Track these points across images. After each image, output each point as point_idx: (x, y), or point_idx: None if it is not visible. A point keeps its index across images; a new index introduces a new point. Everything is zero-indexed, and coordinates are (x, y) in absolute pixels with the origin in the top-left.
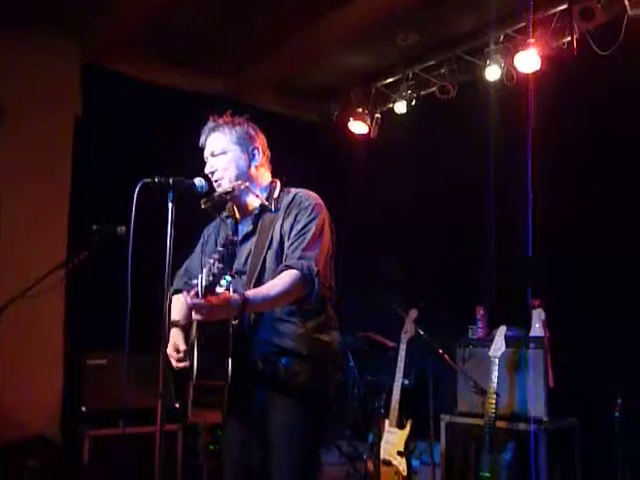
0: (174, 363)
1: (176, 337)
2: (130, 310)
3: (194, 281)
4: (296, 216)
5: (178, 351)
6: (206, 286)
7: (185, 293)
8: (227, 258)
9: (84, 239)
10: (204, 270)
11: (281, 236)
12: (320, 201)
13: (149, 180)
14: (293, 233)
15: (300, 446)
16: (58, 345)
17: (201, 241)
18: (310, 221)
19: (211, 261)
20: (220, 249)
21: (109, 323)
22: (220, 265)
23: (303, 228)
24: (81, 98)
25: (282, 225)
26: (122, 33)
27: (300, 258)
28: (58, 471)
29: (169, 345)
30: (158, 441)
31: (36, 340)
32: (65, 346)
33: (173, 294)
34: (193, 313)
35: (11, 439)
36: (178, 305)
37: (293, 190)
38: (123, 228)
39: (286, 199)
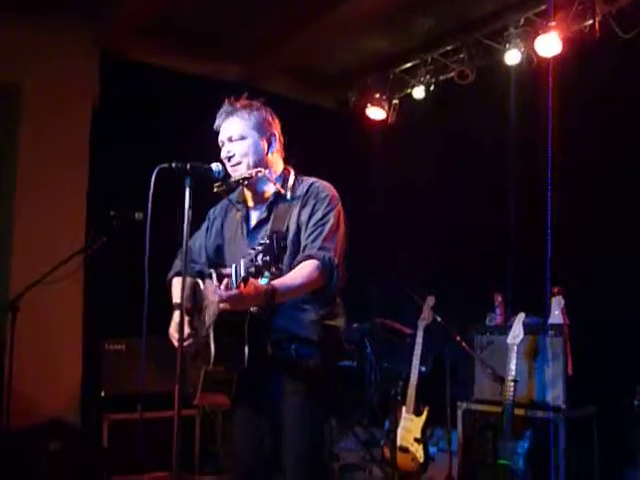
0: (175, 343)
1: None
2: (148, 295)
3: (226, 270)
4: (314, 206)
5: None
6: (244, 277)
7: (216, 283)
8: (275, 251)
9: (102, 225)
10: (242, 260)
11: (298, 226)
12: (335, 192)
13: (166, 165)
14: (312, 223)
15: (310, 425)
16: (77, 330)
17: (206, 223)
18: (328, 212)
19: (253, 252)
20: (265, 241)
21: (127, 308)
22: (266, 258)
23: (322, 218)
24: (99, 86)
25: (299, 214)
26: (137, 21)
27: (320, 249)
28: (79, 455)
29: (171, 326)
30: (176, 425)
31: (55, 325)
32: (84, 331)
33: (174, 276)
34: (222, 303)
35: (31, 423)
36: (180, 287)
37: (307, 179)
38: (141, 214)
39: (301, 188)
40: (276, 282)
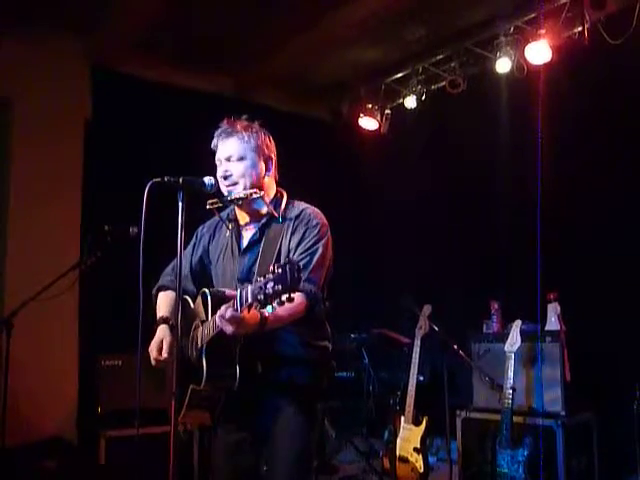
0: (153, 360)
1: (163, 336)
2: (143, 310)
3: (228, 291)
4: (304, 233)
5: (160, 351)
6: (250, 303)
7: (226, 306)
8: (288, 281)
9: (97, 240)
10: (250, 287)
11: (289, 251)
12: (325, 221)
13: (159, 180)
14: (299, 251)
15: (299, 437)
16: (73, 346)
17: (193, 240)
18: (317, 241)
19: (262, 280)
20: (278, 271)
21: (123, 324)
22: (278, 287)
23: (310, 247)
24: (91, 100)
25: (290, 240)
26: (128, 35)
27: (307, 280)
28: (75, 472)
29: (153, 341)
30: (172, 440)
31: (51, 342)
32: (80, 347)
33: (159, 290)
34: (223, 324)
35: (28, 440)
36: (167, 301)
37: (298, 204)
38: (135, 228)
39: (293, 211)
40: (269, 314)
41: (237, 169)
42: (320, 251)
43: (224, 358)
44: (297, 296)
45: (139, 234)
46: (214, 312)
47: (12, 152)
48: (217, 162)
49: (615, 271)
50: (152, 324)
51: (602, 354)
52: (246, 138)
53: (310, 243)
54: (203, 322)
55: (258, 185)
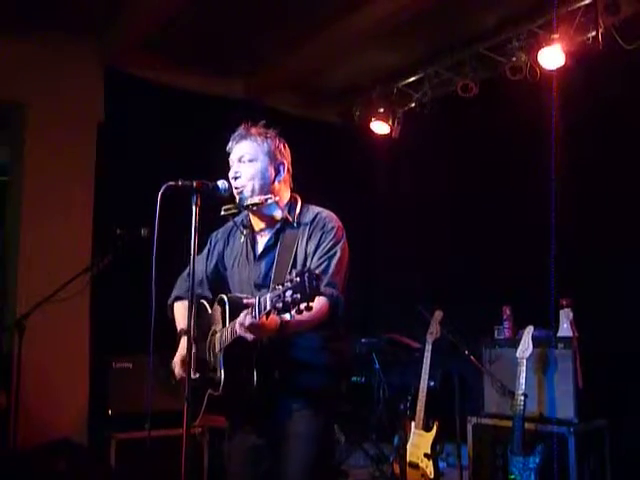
0: (178, 371)
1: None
2: (155, 313)
3: (246, 298)
4: (320, 238)
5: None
6: (268, 310)
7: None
8: (307, 290)
9: (109, 243)
10: (268, 295)
11: (306, 257)
12: (340, 224)
13: (173, 183)
14: (318, 255)
15: (315, 442)
16: (84, 349)
17: (207, 246)
18: (335, 244)
19: (281, 287)
20: (297, 279)
21: (135, 326)
22: (296, 296)
23: (329, 251)
24: (103, 103)
25: (307, 245)
26: (141, 37)
27: (328, 284)
28: (85, 474)
29: (178, 355)
30: (184, 444)
31: (62, 344)
32: (91, 350)
33: (175, 300)
34: (243, 331)
35: (38, 443)
36: (184, 312)
37: (313, 208)
38: (146, 230)
39: (307, 216)
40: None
41: (247, 171)
42: (338, 254)
43: (242, 364)
44: (319, 300)
45: (152, 237)
46: (232, 318)
47: (25, 154)
48: (230, 164)
49: (628, 276)
50: (164, 328)
51: (614, 361)
52: (259, 141)
53: (328, 247)
54: (220, 328)
55: (267, 189)
